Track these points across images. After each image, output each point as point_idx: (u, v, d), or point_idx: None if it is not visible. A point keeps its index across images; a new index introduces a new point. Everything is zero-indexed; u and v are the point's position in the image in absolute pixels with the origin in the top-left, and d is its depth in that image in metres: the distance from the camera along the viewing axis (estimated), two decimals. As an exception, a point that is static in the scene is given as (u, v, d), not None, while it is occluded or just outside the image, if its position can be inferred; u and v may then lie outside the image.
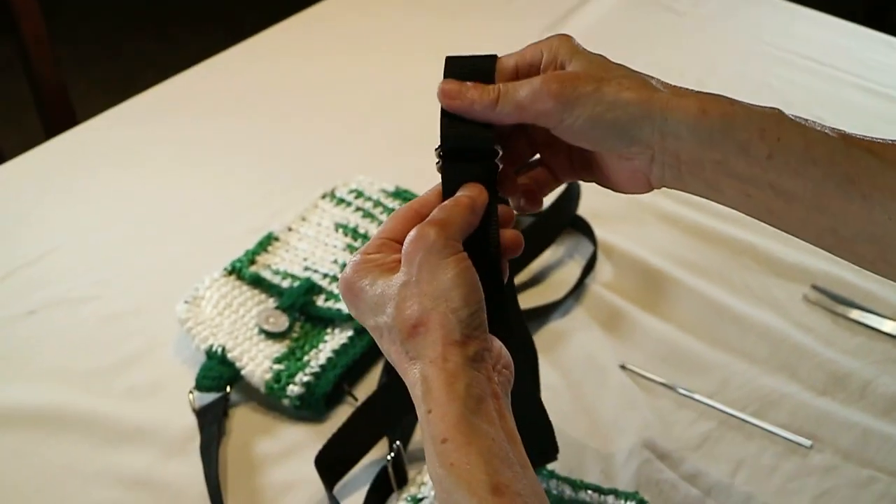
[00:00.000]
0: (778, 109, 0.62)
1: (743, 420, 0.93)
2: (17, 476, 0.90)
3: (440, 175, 0.66)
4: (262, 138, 1.33)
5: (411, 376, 0.59)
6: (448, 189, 0.65)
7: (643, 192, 0.68)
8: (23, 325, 1.05)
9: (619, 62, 0.66)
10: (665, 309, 1.06)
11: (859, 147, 0.61)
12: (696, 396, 0.95)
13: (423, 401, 0.58)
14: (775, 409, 0.95)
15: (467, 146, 0.66)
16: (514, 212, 0.69)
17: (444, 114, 0.66)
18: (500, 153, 0.66)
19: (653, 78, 0.65)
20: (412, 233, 0.61)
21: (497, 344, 0.63)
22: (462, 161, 0.66)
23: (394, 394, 0.91)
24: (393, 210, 1.09)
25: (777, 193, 0.62)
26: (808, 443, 0.91)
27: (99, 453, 0.91)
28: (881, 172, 0.60)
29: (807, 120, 0.62)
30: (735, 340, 1.02)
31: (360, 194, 1.13)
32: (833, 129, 0.62)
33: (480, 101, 0.65)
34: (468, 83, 0.66)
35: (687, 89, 0.64)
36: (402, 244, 0.62)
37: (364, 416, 0.91)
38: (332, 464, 0.88)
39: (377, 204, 1.12)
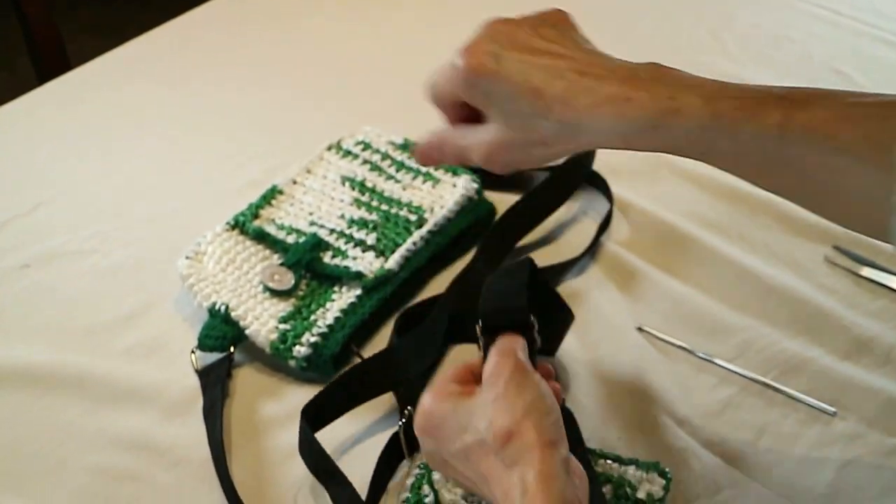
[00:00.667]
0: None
1: (765, 385, 0.90)
2: (13, 437, 0.87)
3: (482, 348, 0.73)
4: (265, 87, 1.29)
5: (507, 482, 0.63)
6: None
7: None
8: (16, 279, 1.02)
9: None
10: (683, 269, 1.02)
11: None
12: (717, 360, 0.92)
13: (521, 501, 0.61)
14: (797, 374, 0.92)
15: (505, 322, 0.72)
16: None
17: (485, 295, 0.74)
18: (536, 326, 0.73)
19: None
20: (492, 359, 0.69)
21: (574, 459, 0.67)
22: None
23: (399, 353, 0.89)
24: (401, 163, 1.07)
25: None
26: (831, 409, 0.88)
27: (97, 414, 0.88)
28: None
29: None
30: (755, 303, 0.98)
31: (367, 146, 1.09)
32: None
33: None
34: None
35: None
36: (459, 384, 0.70)
37: (361, 371, 0.88)
38: (319, 412, 0.85)
39: (385, 157, 1.08)
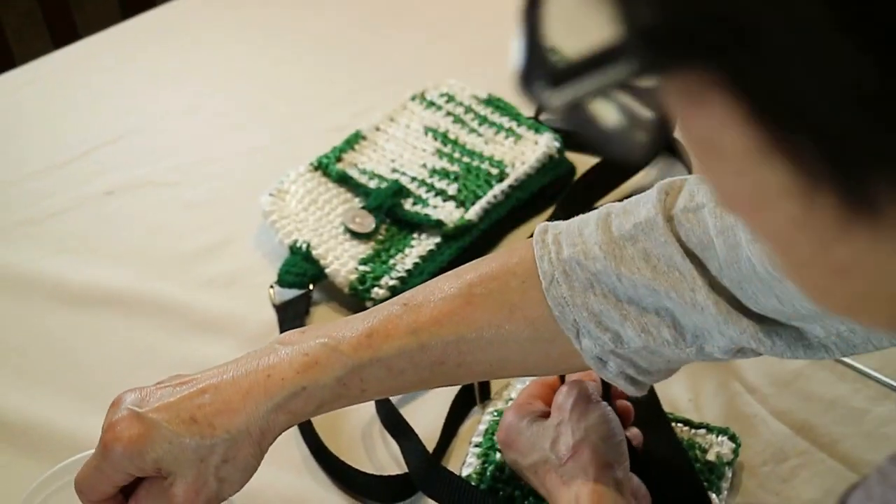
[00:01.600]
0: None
1: (836, 360, 0.91)
2: (92, 357, 0.89)
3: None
4: (352, 33, 1.30)
5: (564, 497, 0.68)
6: None
7: None
8: (100, 205, 1.04)
9: None
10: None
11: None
12: (789, 332, 0.92)
13: None
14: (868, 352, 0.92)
15: None
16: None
17: None
18: None
19: None
20: (563, 387, 0.74)
21: (636, 480, 0.72)
22: None
23: None
24: (484, 117, 1.07)
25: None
26: (902, 388, 0.88)
27: (175, 341, 0.90)
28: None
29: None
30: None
31: (451, 98, 1.09)
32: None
33: None
34: None
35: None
36: (542, 401, 0.76)
37: None
38: None
39: (468, 110, 1.08)
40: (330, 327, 0.66)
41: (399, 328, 0.65)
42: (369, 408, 0.84)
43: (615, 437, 0.71)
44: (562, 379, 0.77)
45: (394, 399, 0.85)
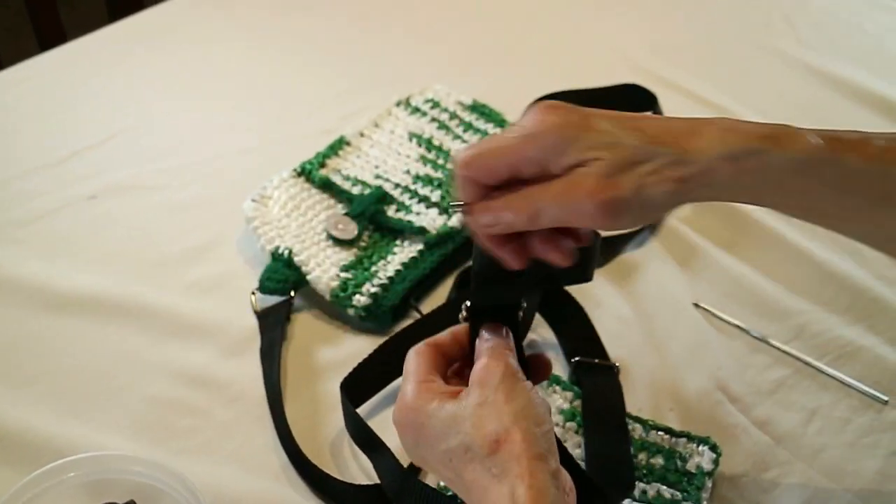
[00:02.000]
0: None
1: (818, 370, 0.91)
2: (76, 361, 0.89)
3: (468, 324, 0.69)
4: (339, 37, 1.30)
5: (495, 494, 0.59)
6: (475, 338, 0.68)
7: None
8: (84, 208, 1.03)
9: None
10: (743, 249, 1.02)
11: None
12: (772, 341, 0.92)
13: None
14: (852, 360, 0.92)
15: (496, 305, 0.68)
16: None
17: (477, 279, 0.68)
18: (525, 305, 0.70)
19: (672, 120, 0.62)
20: (482, 363, 0.64)
21: (564, 471, 0.64)
22: (488, 314, 0.68)
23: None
24: (469, 123, 1.07)
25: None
26: (884, 397, 0.88)
27: (157, 345, 0.90)
28: None
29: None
30: (814, 287, 0.98)
31: (436, 104, 1.09)
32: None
33: (516, 221, 0.60)
34: (503, 209, 0.61)
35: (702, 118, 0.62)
36: (438, 374, 0.66)
37: (398, 345, 0.87)
38: (358, 384, 0.85)
39: (453, 116, 1.08)
40: None
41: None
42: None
43: (546, 424, 0.62)
44: (471, 352, 0.67)
45: (366, 408, 0.85)
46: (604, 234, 0.99)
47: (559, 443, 0.65)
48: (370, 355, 0.86)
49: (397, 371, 0.86)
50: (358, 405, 0.84)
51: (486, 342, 0.66)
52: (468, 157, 0.61)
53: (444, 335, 0.69)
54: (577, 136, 0.58)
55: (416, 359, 0.67)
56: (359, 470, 0.82)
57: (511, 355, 0.65)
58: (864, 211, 0.65)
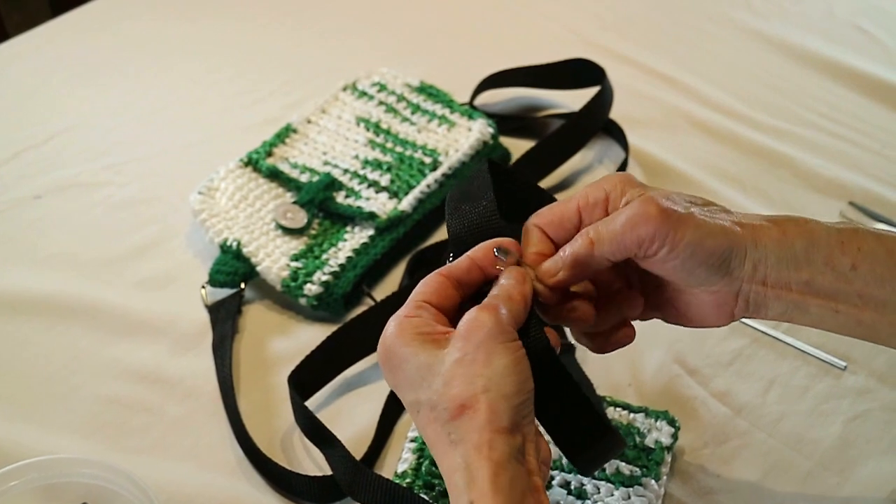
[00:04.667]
0: (853, 222, 0.64)
1: (775, 338, 0.90)
2: (24, 364, 0.87)
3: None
4: (282, 25, 1.28)
5: (450, 461, 0.57)
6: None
7: (723, 325, 0.68)
8: (28, 209, 1.02)
9: None
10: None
11: None
12: (728, 312, 0.92)
13: (466, 490, 0.56)
14: (809, 328, 0.91)
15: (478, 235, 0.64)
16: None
17: (449, 208, 0.66)
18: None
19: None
20: (472, 313, 0.59)
21: (543, 440, 0.62)
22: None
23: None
24: (417, 105, 1.05)
25: (865, 303, 0.64)
26: (842, 364, 0.88)
27: (108, 345, 0.89)
28: None
29: (880, 230, 0.65)
30: (770, 256, 0.98)
31: (383, 87, 1.08)
32: None
33: (577, 256, 0.63)
34: (558, 255, 0.64)
35: (753, 214, 0.66)
36: (438, 309, 0.61)
37: (347, 334, 0.87)
38: (309, 376, 0.84)
39: (400, 98, 1.07)
40: None
41: None
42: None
43: (522, 394, 0.57)
44: (477, 291, 0.63)
45: (321, 397, 0.84)
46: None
47: (569, 380, 0.61)
48: (320, 345, 0.85)
49: (349, 359, 0.86)
50: (308, 396, 0.83)
51: (500, 280, 0.62)
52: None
53: (461, 261, 0.63)
54: (675, 227, 0.62)
55: (418, 287, 0.62)
56: (313, 461, 0.81)
57: (505, 310, 0.60)
58: None
